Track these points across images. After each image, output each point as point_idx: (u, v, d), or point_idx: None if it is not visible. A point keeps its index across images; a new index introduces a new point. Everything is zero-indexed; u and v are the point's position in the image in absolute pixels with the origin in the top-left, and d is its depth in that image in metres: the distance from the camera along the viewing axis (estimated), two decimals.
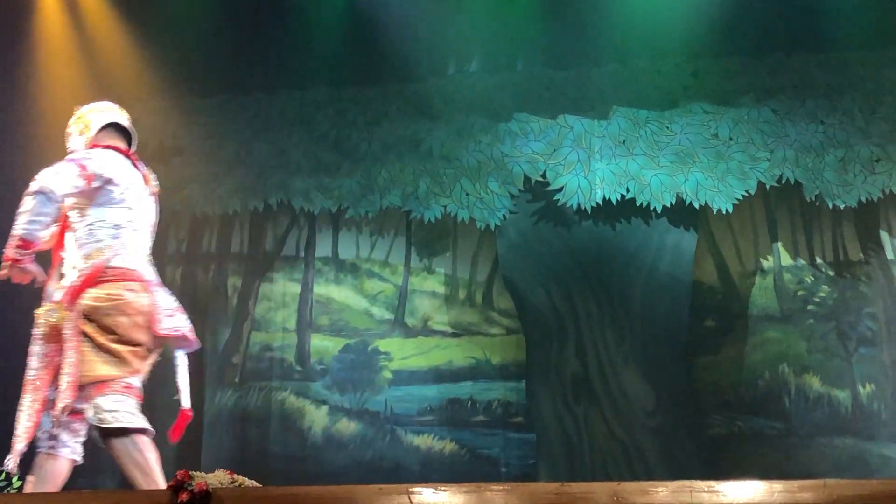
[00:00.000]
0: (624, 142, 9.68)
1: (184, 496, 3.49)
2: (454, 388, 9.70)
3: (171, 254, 10.28)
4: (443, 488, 2.03)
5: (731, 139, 9.63)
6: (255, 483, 3.69)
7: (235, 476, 3.76)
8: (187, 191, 10.18)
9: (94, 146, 4.82)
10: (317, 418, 9.81)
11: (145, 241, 4.85)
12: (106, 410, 4.40)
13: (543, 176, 9.73)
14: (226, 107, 10.42)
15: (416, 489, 2.00)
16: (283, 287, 10.16)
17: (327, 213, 10.11)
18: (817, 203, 9.51)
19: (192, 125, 10.37)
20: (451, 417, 9.62)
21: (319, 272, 10.16)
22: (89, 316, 4.50)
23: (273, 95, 10.39)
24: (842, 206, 9.45)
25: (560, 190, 9.64)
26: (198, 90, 10.27)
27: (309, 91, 10.33)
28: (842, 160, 9.52)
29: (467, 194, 9.76)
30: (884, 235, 9.54)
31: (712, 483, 1.91)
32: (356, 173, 9.98)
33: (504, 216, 9.69)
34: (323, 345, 10.02)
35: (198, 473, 3.63)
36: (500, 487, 2.03)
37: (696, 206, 9.49)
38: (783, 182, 9.54)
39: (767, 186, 9.54)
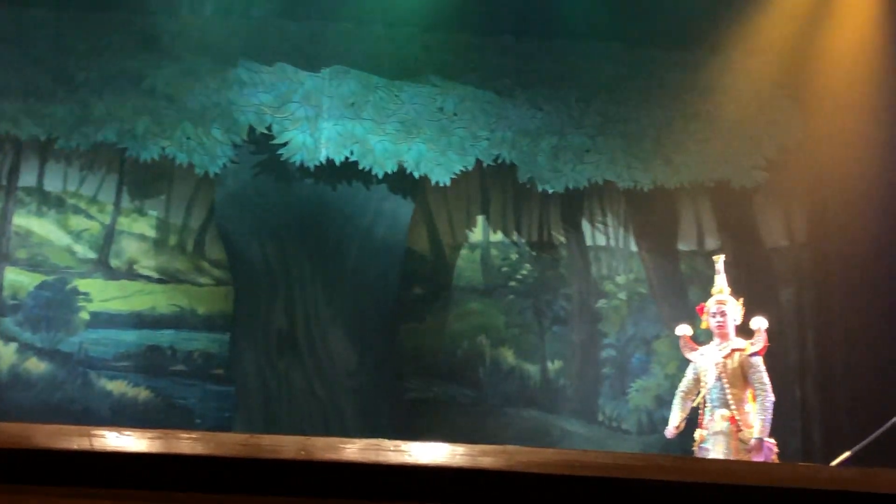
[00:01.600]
0: (353, 104, 9.68)
1: None
2: (155, 335, 9.42)
3: None
4: (127, 433, 1.96)
5: (455, 115, 9.84)
6: None
7: None
8: None
9: None
10: (4, 355, 9.27)
11: None
12: None
13: (269, 129, 9.58)
14: None
15: (98, 432, 1.92)
16: None
17: (35, 141, 9.52)
18: (529, 186, 9.89)
19: None
20: (149, 365, 9.34)
21: (21, 202, 9.57)
22: None
23: None
24: (550, 191, 9.88)
25: (285, 145, 9.54)
26: None
27: (28, 9, 9.65)
28: (555, 147, 9.94)
29: (188, 138, 9.47)
30: (585, 223, 10.06)
31: (399, 443, 1.94)
32: (71, 102, 9.45)
33: (225, 165, 9.48)
34: (18, 279, 9.45)
35: None
36: (188, 436, 1.99)
37: (417, 176, 9.64)
38: (500, 162, 9.85)
39: (485, 164, 9.82)
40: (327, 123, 9.59)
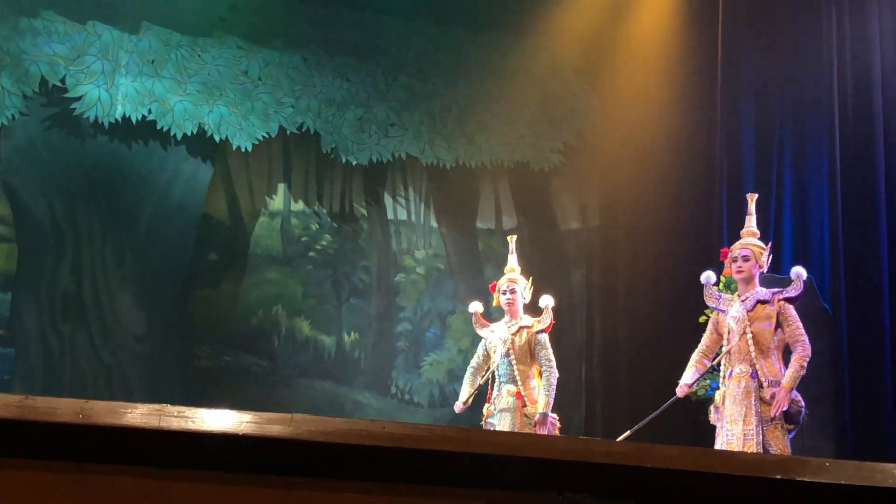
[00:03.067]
0: (153, 61, 9.37)
1: None
2: None
3: None
4: None
5: (259, 79, 9.68)
6: None
7: None
8: None
9: None
10: None
11: None
12: None
13: (63, 81, 9.15)
14: None
15: None
16: None
17: None
18: (332, 156, 9.86)
19: None
20: None
21: None
22: None
23: None
24: (354, 163, 9.88)
25: (79, 99, 9.14)
26: None
27: None
28: (360, 119, 9.94)
29: None
30: (387, 197, 10.11)
31: (184, 409, 1.90)
32: None
33: (13, 116, 8.99)
34: None
35: None
36: None
37: (217, 139, 9.45)
38: (304, 130, 9.77)
39: (288, 132, 9.72)
40: (125, 80, 9.26)
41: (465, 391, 6.54)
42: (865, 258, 8.69)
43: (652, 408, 6.05)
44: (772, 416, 5.63)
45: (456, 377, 9.34)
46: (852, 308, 8.58)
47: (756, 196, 6.33)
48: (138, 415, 1.90)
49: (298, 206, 9.87)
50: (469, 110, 10.16)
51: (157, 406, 1.93)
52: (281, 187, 9.83)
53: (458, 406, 6.56)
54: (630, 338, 9.67)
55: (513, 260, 6.70)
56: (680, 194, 9.42)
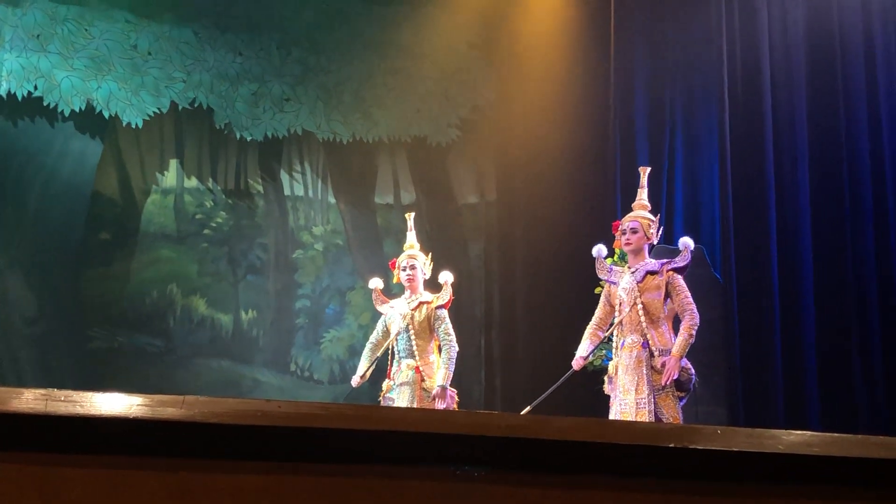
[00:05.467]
0: (38, 36, 9.11)
1: None
2: None
3: None
4: None
5: (150, 54, 9.49)
6: None
7: None
8: None
9: None
10: None
11: None
12: None
13: None
14: None
15: None
16: None
17: None
18: (226, 132, 9.73)
19: None
20: None
21: None
22: None
23: None
24: (248, 139, 9.76)
25: None
26: None
27: None
28: (255, 94, 9.81)
29: None
30: (283, 173, 10.01)
31: (71, 393, 1.85)
32: None
33: None
34: None
35: None
36: None
37: (107, 115, 9.25)
38: (196, 106, 9.62)
39: (180, 107, 9.56)
40: (9, 55, 8.99)
41: (363, 365, 6.57)
42: (754, 228, 8.92)
43: (551, 380, 6.13)
44: (662, 384, 5.75)
45: (356, 353, 9.33)
46: (742, 277, 8.81)
47: (648, 170, 6.45)
48: (24, 400, 1.84)
49: (192, 182, 9.72)
50: (365, 84, 10.10)
51: (43, 391, 1.87)
52: (173, 164, 9.67)
53: (356, 380, 6.58)
54: (528, 310, 9.76)
55: (412, 237, 6.74)
56: (575, 169, 9.53)
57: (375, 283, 6.71)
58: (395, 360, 6.48)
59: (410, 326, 6.42)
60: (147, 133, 9.47)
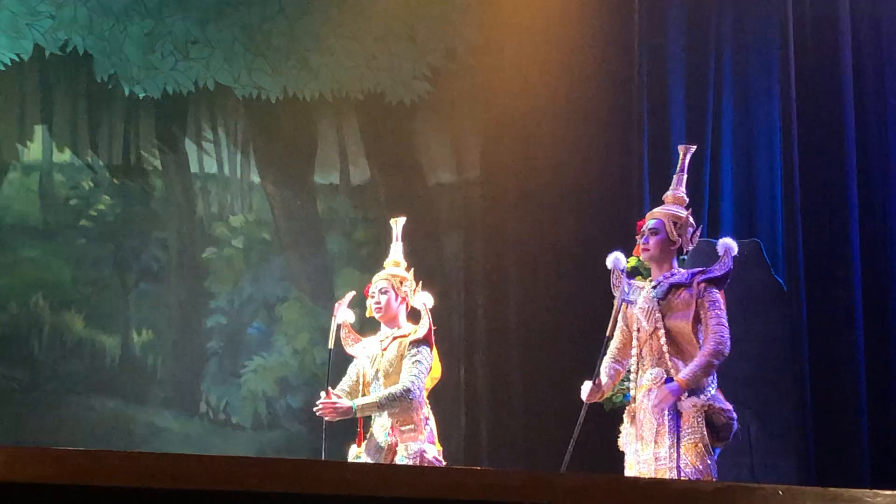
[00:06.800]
0: None
1: None
2: None
3: None
4: None
5: None
6: None
7: None
8: None
9: None
10: None
11: None
12: None
13: None
14: None
15: None
16: None
17: None
18: (111, 86, 9.72)
19: None
20: None
21: None
22: None
23: None
24: (141, 96, 9.76)
25: None
26: None
27: None
28: (149, 34, 9.80)
29: None
30: (189, 143, 10.00)
31: None
32: None
33: None
34: None
35: None
36: None
37: None
38: (69, 51, 9.61)
39: (47, 53, 9.56)
40: None
41: None
42: (830, 218, 8.96)
43: (552, 422, 6.13)
44: (651, 408, 5.72)
45: (290, 387, 9.33)
46: (814, 283, 8.84)
47: (692, 149, 6.32)
48: None
49: (64, 156, 9.72)
50: (301, 22, 10.11)
51: None
52: (38, 131, 9.68)
53: None
54: (523, 327, 9.77)
55: (397, 250, 6.51)
56: (584, 135, 9.55)
57: (344, 316, 6.49)
58: (366, 420, 6.32)
59: (380, 372, 6.26)
60: (2, 88, 9.49)
